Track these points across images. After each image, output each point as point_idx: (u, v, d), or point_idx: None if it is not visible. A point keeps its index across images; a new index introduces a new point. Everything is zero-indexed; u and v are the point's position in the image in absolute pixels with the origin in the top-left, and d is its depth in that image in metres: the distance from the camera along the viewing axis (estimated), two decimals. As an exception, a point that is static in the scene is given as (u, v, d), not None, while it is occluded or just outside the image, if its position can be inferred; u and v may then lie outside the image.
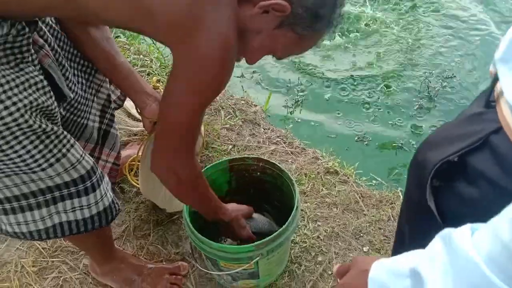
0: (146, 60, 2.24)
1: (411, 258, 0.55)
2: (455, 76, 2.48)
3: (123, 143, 1.82)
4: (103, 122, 1.19)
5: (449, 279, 0.48)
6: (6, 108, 0.82)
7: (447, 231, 0.52)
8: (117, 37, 2.47)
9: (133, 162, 1.62)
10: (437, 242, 0.53)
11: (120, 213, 1.60)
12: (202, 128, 1.75)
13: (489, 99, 0.68)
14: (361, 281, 0.60)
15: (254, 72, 2.47)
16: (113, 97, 1.29)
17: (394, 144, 2.10)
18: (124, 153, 1.68)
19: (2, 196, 0.96)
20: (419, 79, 2.47)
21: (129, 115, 1.93)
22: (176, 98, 0.89)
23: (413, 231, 0.85)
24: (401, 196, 1.69)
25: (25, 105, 0.84)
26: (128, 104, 1.86)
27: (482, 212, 0.64)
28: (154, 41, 2.61)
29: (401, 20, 2.92)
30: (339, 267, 0.73)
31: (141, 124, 1.83)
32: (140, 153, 1.45)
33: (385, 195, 1.69)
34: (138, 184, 1.57)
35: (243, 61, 1.01)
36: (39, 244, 1.53)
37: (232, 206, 1.26)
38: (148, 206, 1.63)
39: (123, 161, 1.61)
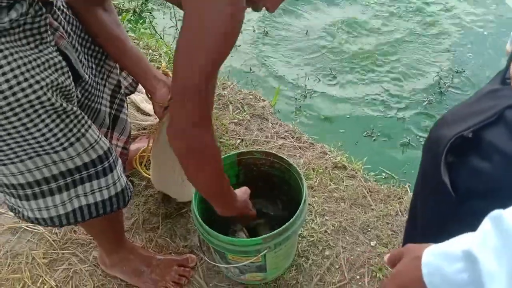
0: (155, 54, 2.26)
1: (462, 240, 0.56)
2: (464, 71, 2.46)
3: (132, 137, 1.83)
4: (112, 107, 1.21)
5: (503, 259, 0.49)
6: (30, 86, 0.83)
7: (496, 212, 0.52)
8: (126, 31, 2.48)
9: (143, 154, 1.63)
10: (487, 223, 0.53)
11: (130, 206, 1.63)
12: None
13: (505, 77, 0.68)
14: (414, 268, 0.60)
15: (262, 66, 2.47)
16: (125, 83, 1.30)
17: (402, 140, 2.09)
18: (133, 146, 1.69)
19: (24, 181, 0.97)
20: (430, 74, 2.45)
21: (138, 109, 1.94)
22: (186, 53, 0.83)
23: (426, 208, 0.85)
24: (409, 191, 1.68)
25: (47, 84, 0.86)
26: (137, 98, 1.87)
27: (495, 185, 0.64)
28: (162, 36, 2.63)
29: (410, 12, 2.89)
30: (390, 256, 0.72)
31: (150, 118, 1.84)
32: (151, 143, 1.45)
33: (393, 190, 1.69)
34: (149, 175, 1.58)
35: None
36: (50, 237, 1.55)
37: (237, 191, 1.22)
38: (157, 199, 1.65)
39: (133, 154, 1.62)
